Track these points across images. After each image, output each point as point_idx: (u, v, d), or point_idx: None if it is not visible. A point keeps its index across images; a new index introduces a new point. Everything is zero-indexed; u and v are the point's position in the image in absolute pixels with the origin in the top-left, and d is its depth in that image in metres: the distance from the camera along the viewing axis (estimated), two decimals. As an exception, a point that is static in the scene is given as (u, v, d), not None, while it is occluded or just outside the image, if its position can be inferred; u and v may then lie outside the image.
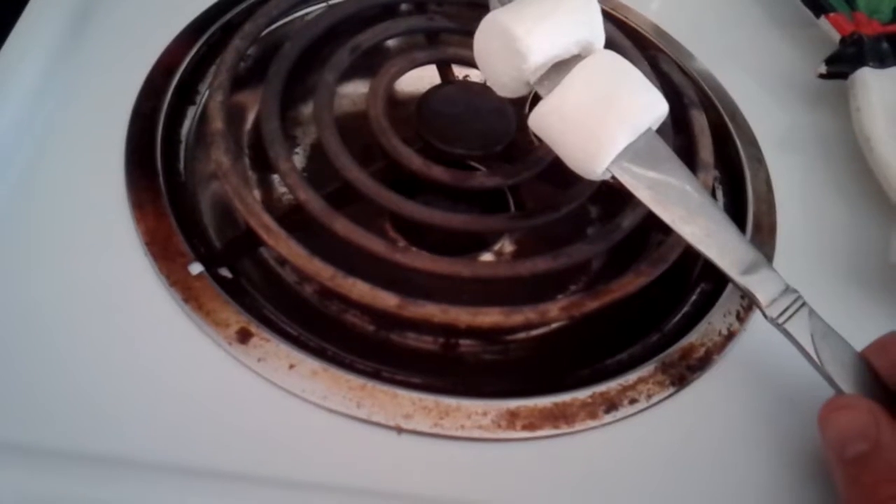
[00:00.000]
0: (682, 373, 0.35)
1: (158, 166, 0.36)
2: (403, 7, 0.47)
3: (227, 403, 0.31)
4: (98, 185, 0.36)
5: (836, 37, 0.48)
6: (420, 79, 0.44)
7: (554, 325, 0.39)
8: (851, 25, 0.48)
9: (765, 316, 0.32)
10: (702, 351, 0.36)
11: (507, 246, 0.43)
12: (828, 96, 0.48)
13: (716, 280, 0.39)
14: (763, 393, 0.35)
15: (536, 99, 0.34)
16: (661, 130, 0.35)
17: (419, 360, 0.37)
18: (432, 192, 0.39)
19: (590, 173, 0.33)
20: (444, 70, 0.44)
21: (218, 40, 0.42)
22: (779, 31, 0.53)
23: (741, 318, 0.37)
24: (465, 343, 0.39)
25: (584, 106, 0.32)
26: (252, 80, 0.42)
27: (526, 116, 0.35)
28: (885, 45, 0.47)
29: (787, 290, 0.32)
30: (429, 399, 0.32)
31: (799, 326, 0.32)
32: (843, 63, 0.46)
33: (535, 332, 0.40)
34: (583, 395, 0.33)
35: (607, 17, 0.47)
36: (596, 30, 0.34)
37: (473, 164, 0.42)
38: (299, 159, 0.43)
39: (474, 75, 0.45)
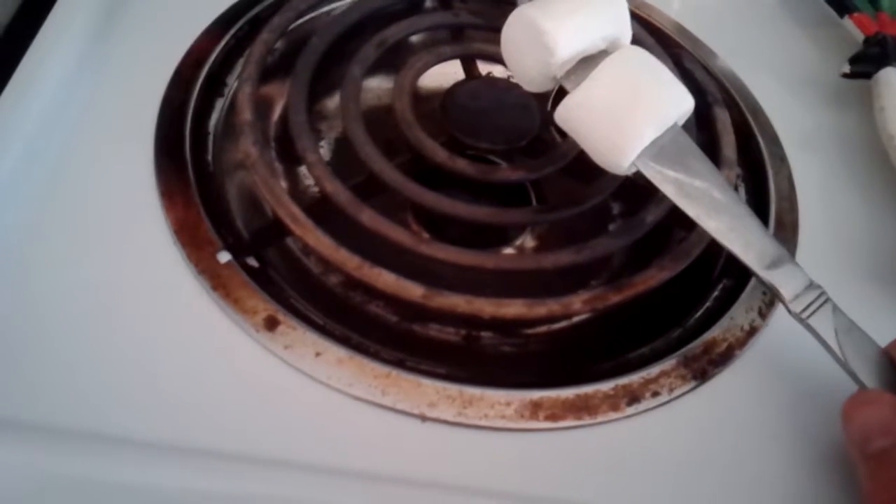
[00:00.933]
0: (704, 367, 0.35)
1: (187, 156, 0.37)
2: (428, 3, 0.47)
3: (254, 390, 0.31)
4: (128, 174, 0.36)
5: (860, 37, 0.48)
6: (444, 74, 0.45)
7: (575, 319, 0.40)
8: (875, 25, 0.48)
9: (788, 311, 0.32)
10: (724, 346, 0.36)
11: (528, 241, 0.43)
12: (850, 96, 0.48)
13: (738, 276, 0.39)
14: (785, 388, 0.35)
15: (559, 96, 0.35)
16: (684, 127, 0.35)
17: (442, 350, 0.37)
18: (454, 185, 0.40)
19: (615, 167, 0.33)
20: (469, 65, 0.44)
21: (246, 34, 0.43)
22: (801, 31, 0.53)
23: (763, 314, 0.37)
24: (487, 335, 0.39)
25: (611, 100, 0.32)
26: (279, 73, 0.42)
27: (549, 113, 0.35)
28: (908, 45, 0.47)
29: (811, 285, 0.33)
30: (452, 388, 0.32)
31: (822, 322, 0.32)
32: (866, 63, 0.46)
33: (556, 326, 0.40)
34: (605, 387, 0.33)
35: (631, 15, 0.47)
36: (623, 26, 0.34)
37: (495, 158, 0.42)
38: (324, 152, 0.44)
39: (498, 71, 0.46)
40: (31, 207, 0.35)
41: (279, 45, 0.42)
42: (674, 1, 0.51)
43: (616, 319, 0.39)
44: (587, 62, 0.33)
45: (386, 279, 0.33)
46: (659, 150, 0.33)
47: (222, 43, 0.42)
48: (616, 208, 0.44)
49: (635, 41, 0.40)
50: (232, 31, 0.42)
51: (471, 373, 0.34)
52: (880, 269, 0.40)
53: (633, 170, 0.33)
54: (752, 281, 0.38)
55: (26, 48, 0.39)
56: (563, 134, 0.37)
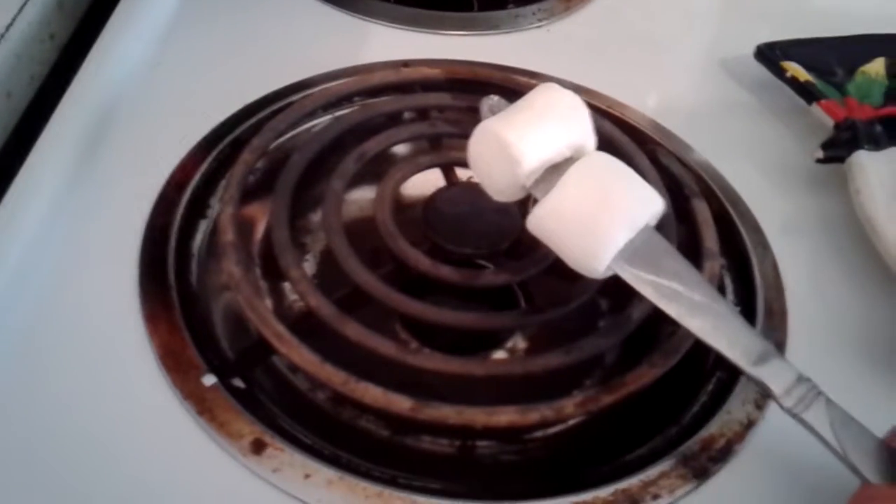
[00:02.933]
0: (704, 465, 0.34)
1: (171, 279, 0.37)
2: (406, 115, 0.48)
3: (242, 517, 0.31)
4: (113, 299, 0.36)
5: (830, 122, 0.49)
6: (425, 181, 0.45)
7: (570, 422, 0.39)
8: (844, 111, 0.49)
9: (781, 407, 0.32)
10: (722, 441, 0.35)
11: (519, 342, 0.43)
12: (828, 179, 0.48)
13: (731, 368, 0.38)
14: (786, 483, 0.34)
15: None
16: (663, 222, 0.36)
17: (436, 464, 0.36)
18: (441, 291, 0.40)
19: (592, 272, 0.33)
20: (448, 172, 0.45)
21: (227, 155, 0.44)
22: (774, 119, 0.54)
23: (760, 406, 0.37)
24: (482, 444, 0.38)
25: (580, 207, 0.32)
26: (261, 192, 0.43)
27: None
28: (878, 127, 0.48)
29: (801, 378, 0.32)
30: (447, 505, 0.31)
31: (817, 416, 0.31)
32: (838, 147, 0.47)
33: (550, 431, 0.39)
34: (604, 493, 0.33)
35: (605, 114, 0.48)
36: (586, 132, 0.35)
37: (481, 262, 0.42)
38: (310, 266, 0.44)
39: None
40: (17, 333, 0.35)
41: (260, 164, 0.42)
42: (648, 99, 0.53)
43: (610, 419, 0.38)
44: (554, 170, 0.34)
45: (373, 393, 0.33)
46: (633, 252, 0.33)
47: (204, 166, 0.43)
48: (604, 304, 0.44)
49: (610, 140, 0.41)
50: (213, 154, 0.43)
51: (466, 486, 0.33)
52: (872, 352, 0.40)
53: (610, 273, 0.33)
54: (746, 373, 0.38)
55: (14, 175, 0.40)
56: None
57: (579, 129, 0.34)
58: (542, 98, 0.35)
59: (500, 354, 0.42)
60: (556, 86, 0.35)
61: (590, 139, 0.35)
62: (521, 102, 0.35)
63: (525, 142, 0.33)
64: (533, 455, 0.39)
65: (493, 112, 0.35)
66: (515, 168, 0.33)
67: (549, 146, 0.33)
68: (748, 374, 0.32)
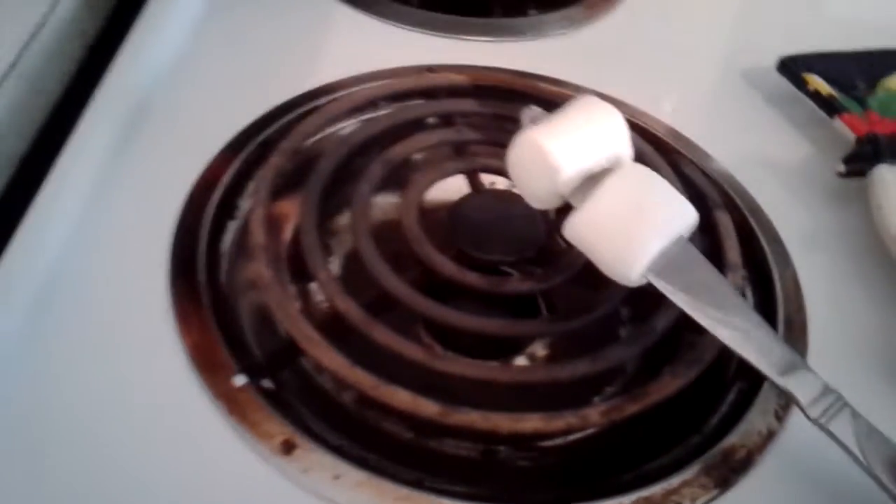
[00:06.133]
0: (726, 474, 0.35)
1: (201, 279, 0.38)
2: (430, 120, 0.49)
3: (272, 516, 0.31)
4: (143, 299, 0.37)
5: (852, 136, 0.49)
6: (446, 188, 0.46)
7: (590, 430, 0.39)
8: (866, 125, 0.49)
9: (807, 417, 0.32)
10: (743, 452, 0.36)
11: (538, 350, 0.43)
12: (849, 193, 0.49)
13: (751, 379, 0.39)
14: (807, 494, 0.35)
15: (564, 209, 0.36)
16: (687, 233, 0.36)
17: (459, 467, 0.37)
18: (461, 297, 0.40)
19: (625, 279, 0.34)
20: (473, 179, 0.45)
21: (256, 156, 0.44)
22: (794, 132, 0.54)
23: (780, 418, 0.37)
24: (503, 450, 0.39)
25: (617, 215, 0.33)
26: (288, 191, 0.44)
27: (553, 221, 0.36)
28: (900, 142, 0.48)
29: (827, 389, 0.33)
30: (473, 508, 0.32)
31: (842, 427, 0.32)
32: (860, 162, 0.48)
33: (570, 438, 0.39)
34: (627, 500, 0.33)
35: (627, 123, 0.49)
36: (624, 144, 0.35)
37: (504, 268, 0.42)
38: (334, 268, 0.44)
39: (500, 183, 0.47)
40: (50, 331, 0.35)
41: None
42: (669, 108, 0.53)
43: (630, 427, 0.38)
44: (591, 179, 0.35)
45: (402, 397, 0.33)
46: (667, 262, 0.34)
47: (233, 167, 0.43)
48: (625, 313, 0.44)
49: (635, 150, 0.42)
50: (242, 155, 0.44)
51: (491, 491, 0.33)
52: (892, 366, 0.40)
53: (644, 281, 0.34)
54: (767, 384, 0.38)
55: (45, 174, 0.40)
56: (569, 243, 0.38)
57: (617, 140, 0.35)
58: (582, 109, 0.35)
59: (519, 361, 0.42)
60: (595, 98, 0.36)
61: (627, 151, 0.36)
62: (561, 113, 0.36)
63: (564, 151, 0.34)
64: (552, 462, 0.39)
65: (534, 122, 0.36)
66: (554, 176, 0.34)
67: (587, 156, 0.34)
68: (776, 384, 0.33)
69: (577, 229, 0.34)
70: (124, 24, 0.51)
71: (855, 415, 0.32)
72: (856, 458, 0.31)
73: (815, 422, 0.32)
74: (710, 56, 0.63)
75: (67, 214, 0.40)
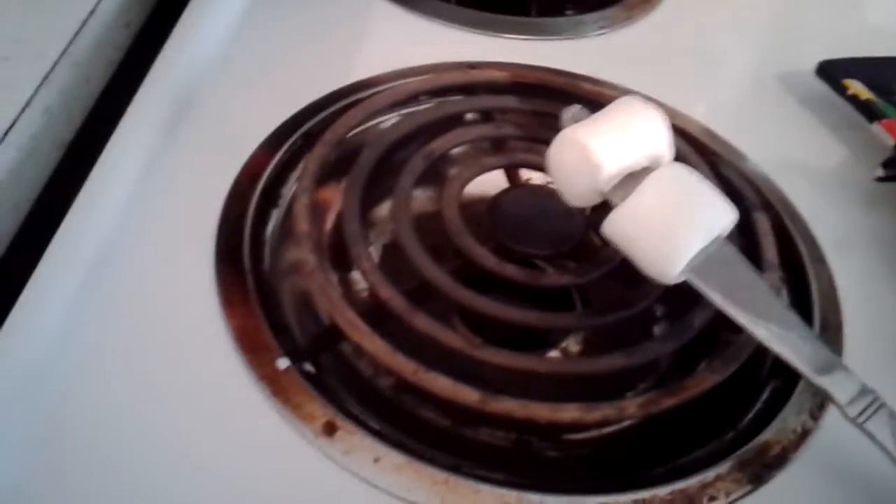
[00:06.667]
0: (759, 471, 0.35)
1: (247, 265, 0.38)
2: (469, 116, 0.49)
3: (313, 495, 0.32)
4: (189, 282, 0.38)
5: (891, 142, 0.49)
6: (486, 181, 0.46)
7: (624, 423, 0.40)
8: (904, 131, 0.49)
9: (845, 416, 0.32)
10: (777, 448, 0.36)
11: (572, 344, 0.43)
12: (885, 197, 0.49)
13: (786, 378, 0.39)
14: (841, 492, 0.35)
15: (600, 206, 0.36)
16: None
17: (495, 455, 0.37)
18: (496, 288, 0.41)
19: (664, 277, 0.34)
20: (511, 174, 0.46)
21: (299, 147, 0.45)
22: (831, 136, 0.54)
23: (815, 417, 0.37)
24: (535, 439, 0.39)
25: (657, 213, 0.34)
26: (330, 179, 0.44)
27: (590, 218, 0.36)
28: (938, 149, 0.48)
29: (865, 389, 0.33)
30: (511, 495, 0.32)
31: (880, 426, 0.32)
32: (899, 167, 0.48)
33: (605, 430, 0.40)
34: (662, 491, 0.33)
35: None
36: (665, 144, 0.36)
37: (541, 263, 0.43)
38: (373, 257, 0.45)
39: (537, 178, 0.47)
40: (99, 316, 0.36)
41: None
42: (706, 110, 0.53)
43: (663, 422, 0.39)
44: (632, 178, 0.35)
45: (442, 384, 0.34)
46: (705, 260, 0.34)
47: (276, 158, 0.44)
48: (659, 311, 0.45)
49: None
50: (286, 146, 0.45)
51: (528, 478, 0.34)
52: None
53: (681, 279, 0.34)
54: (802, 382, 0.38)
55: (91, 161, 0.41)
56: (604, 240, 0.38)
57: (658, 140, 0.35)
58: (624, 109, 0.36)
59: (553, 353, 0.43)
60: (637, 98, 0.37)
61: (667, 150, 0.36)
62: (603, 112, 0.36)
63: (606, 149, 0.34)
64: (584, 453, 0.39)
65: (575, 120, 0.37)
66: (595, 173, 0.35)
67: (628, 154, 0.35)
68: (813, 383, 0.33)
69: (617, 226, 0.35)
70: (169, 14, 0.52)
71: (892, 415, 0.32)
72: (893, 457, 0.32)
73: (853, 421, 0.32)
74: (747, 59, 0.63)
75: (114, 202, 0.40)
